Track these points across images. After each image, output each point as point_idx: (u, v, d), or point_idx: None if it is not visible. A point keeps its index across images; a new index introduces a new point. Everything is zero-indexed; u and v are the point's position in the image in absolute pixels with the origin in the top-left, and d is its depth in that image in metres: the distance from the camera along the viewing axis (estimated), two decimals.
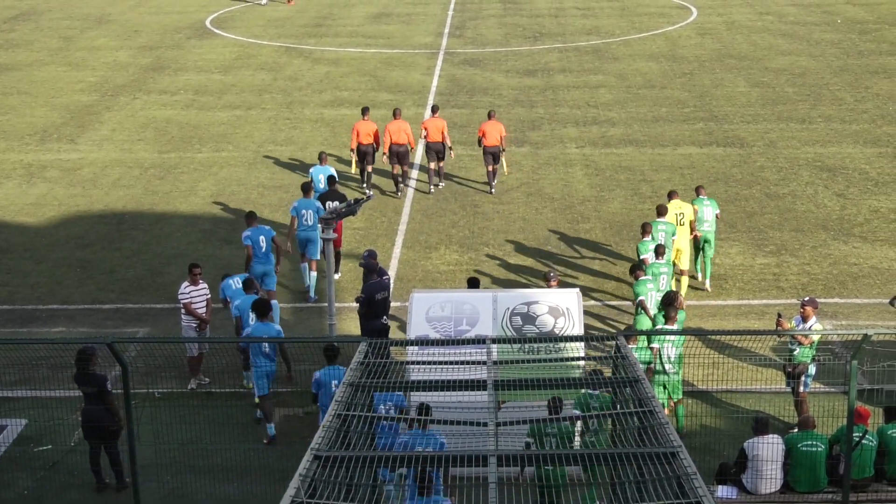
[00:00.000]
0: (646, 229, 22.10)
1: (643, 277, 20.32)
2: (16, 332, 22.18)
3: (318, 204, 23.68)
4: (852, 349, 15.69)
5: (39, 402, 18.53)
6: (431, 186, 29.95)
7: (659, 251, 21.25)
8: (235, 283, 20.38)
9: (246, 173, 31.62)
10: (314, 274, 23.79)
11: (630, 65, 44.07)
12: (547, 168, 31.65)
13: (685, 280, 23.24)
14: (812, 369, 18.31)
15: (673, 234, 22.55)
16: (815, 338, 18.18)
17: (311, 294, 23.76)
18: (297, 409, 19.00)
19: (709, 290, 23.65)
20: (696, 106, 37.83)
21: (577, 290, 18.28)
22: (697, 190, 24.12)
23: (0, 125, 37.16)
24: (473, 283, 19.96)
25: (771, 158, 32.04)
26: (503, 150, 29.44)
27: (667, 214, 22.78)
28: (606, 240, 26.47)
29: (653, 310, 19.84)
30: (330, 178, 25.23)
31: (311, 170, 27.06)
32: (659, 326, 18.78)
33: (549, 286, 19.82)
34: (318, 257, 23.55)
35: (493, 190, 29.65)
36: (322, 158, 26.97)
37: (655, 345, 17.92)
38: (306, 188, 24.46)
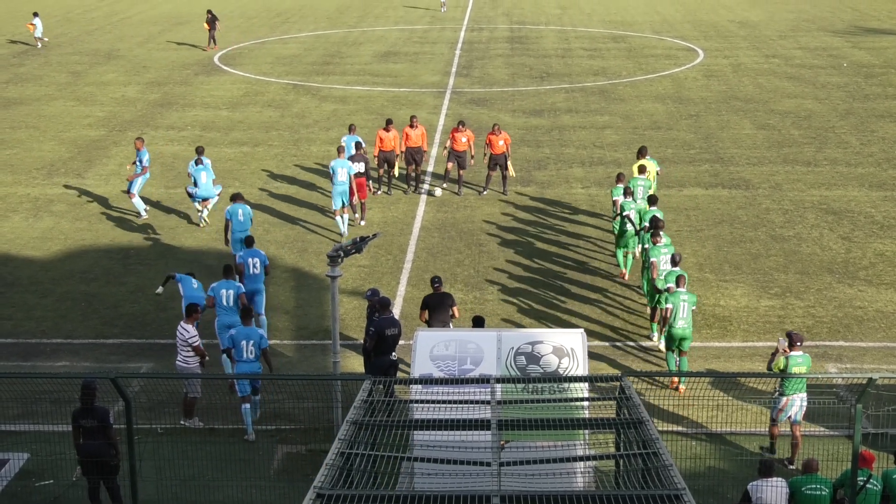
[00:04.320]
0: (620, 178, 27.44)
1: (660, 242, 23.38)
2: (19, 365, 22.17)
3: (350, 163, 29.23)
4: (857, 393, 15.64)
5: (42, 436, 18.51)
6: (461, 190, 33.15)
7: (652, 200, 25.92)
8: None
9: (252, 209, 31.63)
10: (345, 216, 29.38)
11: (636, 106, 44.22)
12: (553, 208, 31.69)
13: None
14: (784, 401, 18.21)
15: (649, 188, 27.69)
16: (801, 370, 18.22)
17: (343, 232, 29.25)
18: (299, 446, 18.94)
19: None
20: (702, 147, 37.91)
21: (582, 330, 18.22)
22: (643, 150, 29.39)
23: (8, 159, 37.30)
24: (479, 322, 19.99)
25: (776, 201, 32.08)
26: (508, 155, 32.41)
27: (645, 172, 28.23)
28: (612, 280, 26.45)
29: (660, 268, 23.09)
30: (357, 144, 30.75)
31: (343, 138, 32.14)
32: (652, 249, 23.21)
33: (434, 289, 21.40)
34: (350, 204, 29.49)
35: (505, 192, 32.90)
36: (351, 129, 32.49)
37: (654, 258, 22.95)
38: (340, 150, 29.84)
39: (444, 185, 33.38)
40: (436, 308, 21.04)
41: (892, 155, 36.81)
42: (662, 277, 22.35)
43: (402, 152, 32.62)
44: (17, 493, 17.81)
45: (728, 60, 54.18)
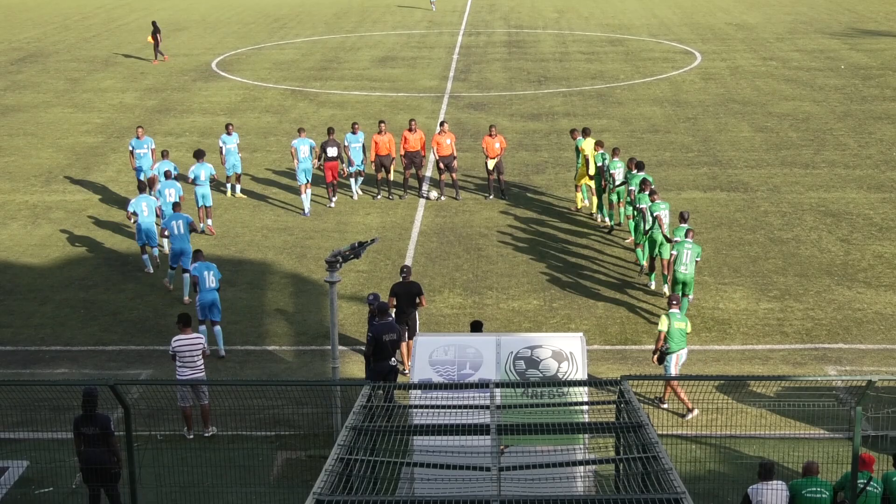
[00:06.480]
0: (615, 153, 29.87)
1: (658, 200, 26.09)
2: (19, 373, 22.17)
3: (312, 142, 32.05)
4: (857, 395, 15.64)
5: (41, 443, 18.51)
6: (458, 196, 33.06)
7: (640, 167, 28.33)
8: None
9: (250, 215, 31.68)
10: (308, 192, 31.78)
11: (634, 109, 44.24)
12: (551, 212, 31.69)
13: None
14: (674, 358, 20.20)
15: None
16: (667, 326, 20.15)
17: (306, 212, 31.71)
18: (299, 452, 18.94)
19: None
20: (700, 150, 37.92)
21: (581, 334, 18.24)
22: (588, 130, 31.63)
23: (6, 166, 37.30)
24: (477, 327, 19.98)
25: (775, 203, 32.08)
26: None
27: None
28: (610, 283, 26.45)
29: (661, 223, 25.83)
30: (329, 129, 32.50)
31: (347, 135, 32.95)
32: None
33: (402, 278, 22.32)
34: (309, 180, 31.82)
35: (505, 196, 32.89)
36: (355, 127, 32.61)
37: (652, 210, 25.75)
38: (300, 130, 32.43)
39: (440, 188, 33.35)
40: (402, 296, 22.12)
41: (890, 157, 36.84)
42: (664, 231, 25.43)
43: (400, 156, 32.57)
44: (17, 500, 17.79)
45: (725, 63, 54.21)
